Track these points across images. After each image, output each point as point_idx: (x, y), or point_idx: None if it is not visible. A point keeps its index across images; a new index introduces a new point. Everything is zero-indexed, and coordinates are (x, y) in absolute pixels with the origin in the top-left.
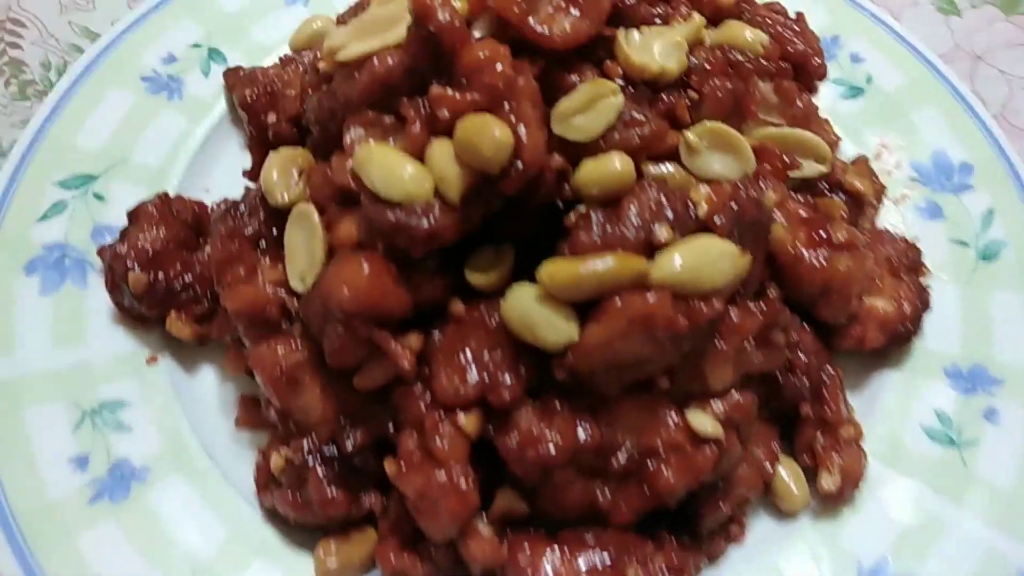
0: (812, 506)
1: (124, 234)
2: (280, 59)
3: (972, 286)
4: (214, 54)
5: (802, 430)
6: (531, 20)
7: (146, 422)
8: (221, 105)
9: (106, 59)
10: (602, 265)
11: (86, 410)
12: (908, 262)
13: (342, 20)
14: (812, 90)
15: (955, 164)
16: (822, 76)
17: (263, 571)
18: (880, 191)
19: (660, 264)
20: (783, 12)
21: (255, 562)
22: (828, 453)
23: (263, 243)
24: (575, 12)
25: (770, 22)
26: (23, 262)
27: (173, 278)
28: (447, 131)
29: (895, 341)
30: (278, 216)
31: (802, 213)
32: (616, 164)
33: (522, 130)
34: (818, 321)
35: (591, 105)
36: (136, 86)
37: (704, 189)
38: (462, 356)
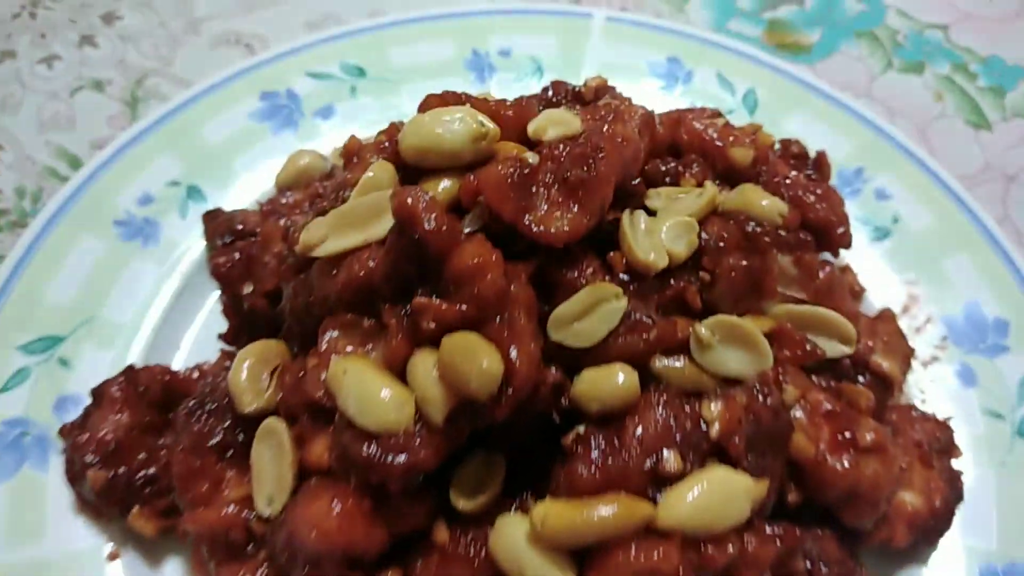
0: None
1: (86, 417)
2: (261, 208)
3: (1008, 469)
4: (193, 192)
5: None
6: (526, 218)
7: None
8: (198, 249)
9: (79, 200)
10: (604, 512)
11: None
12: (939, 445)
13: (320, 209)
14: (835, 255)
15: (989, 320)
16: (847, 245)
17: None
18: (908, 357)
19: (668, 506)
20: (804, 159)
21: None
22: None
23: (230, 452)
24: (573, 206)
25: (789, 182)
26: None
27: (135, 471)
28: (432, 341)
29: (925, 539)
30: (246, 421)
31: (826, 405)
32: (618, 379)
33: (513, 353)
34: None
35: (592, 310)
36: (109, 232)
37: (716, 407)
38: None
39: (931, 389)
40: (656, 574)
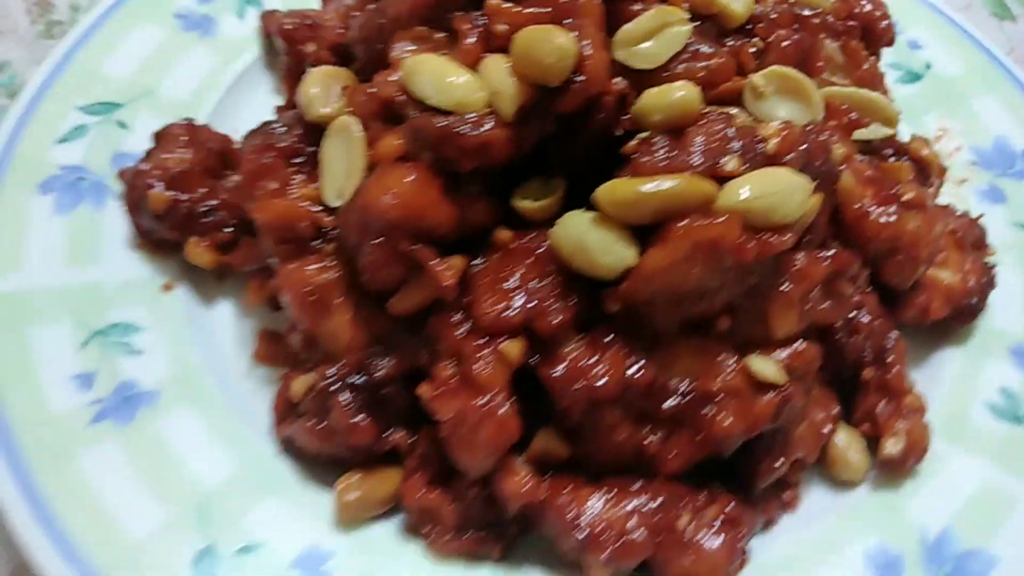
0: (870, 479)
1: (148, 154)
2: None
3: None
4: None
5: (863, 397)
6: None
7: (157, 348)
8: (254, 48)
9: None
10: (667, 185)
11: (94, 329)
12: (973, 239)
13: None
14: (876, 55)
15: (1018, 151)
16: (889, 41)
17: (275, 507)
18: (942, 170)
19: (729, 191)
20: None
21: (267, 498)
22: (891, 420)
23: (298, 159)
24: None
25: None
26: (38, 180)
27: (196, 201)
28: (503, 48)
29: (960, 315)
30: (315, 132)
31: (869, 172)
32: (681, 91)
33: (586, 44)
34: (881, 289)
35: (657, 32)
36: (168, 22)
37: (775, 124)
38: (507, 283)
39: (962, 205)
40: (718, 245)
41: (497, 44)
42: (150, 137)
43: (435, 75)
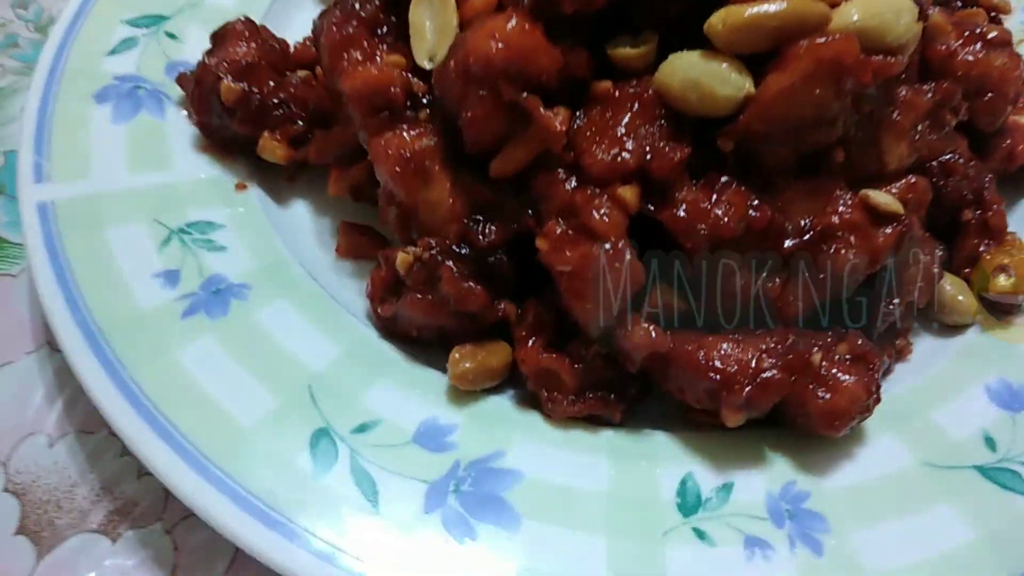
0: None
1: (212, 50)
2: None
3: None
4: None
5: (964, 239)
6: None
7: (240, 244)
8: None
9: None
10: (782, 5)
11: (173, 229)
12: None
13: None
14: None
15: None
16: None
17: (387, 386)
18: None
19: (841, 13)
20: None
21: (378, 378)
22: (995, 256)
23: (382, 29)
24: None
25: None
26: (94, 91)
27: (267, 93)
28: None
29: None
30: (396, 2)
31: (948, 19)
32: None
33: None
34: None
35: None
36: None
37: None
38: (615, 130)
39: None
40: (840, 63)
41: None
42: (203, 45)
43: None
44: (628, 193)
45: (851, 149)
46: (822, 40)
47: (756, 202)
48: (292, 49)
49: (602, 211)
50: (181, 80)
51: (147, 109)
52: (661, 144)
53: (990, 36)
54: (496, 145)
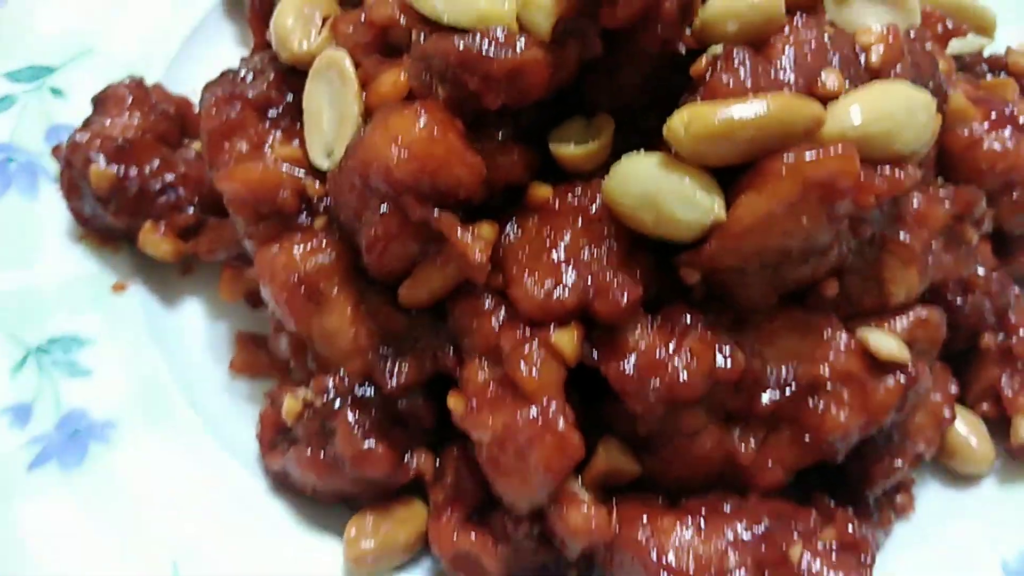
0: (996, 468)
1: (88, 122)
2: None
3: None
4: None
5: (982, 368)
6: None
7: (111, 364)
8: None
9: None
10: (761, 108)
11: (31, 347)
12: None
13: None
14: None
15: None
16: None
17: (270, 558)
18: None
19: (838, 113)
20: None
21: (258, 546)
22: (1019, 396)
23: (273, 112)
24: None
25: None
26: None
27: (149, 177)
28: None
29: None
30: (293, 77)
31: (973, 92)
32: None
33: None
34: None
35: None
36: None
37: (877, 27)
38: (552, 254)
39: None
40: (833, 183)
41: None
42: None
43: None
44: (565, 340)
45: (847, 280)
46: (811, 156)
47: (727, 348)
48: (196, 108)
49: (533, 362)
50: (56, 153)
51: (17, 187)
52: (608, 277)
53: (1022, 121)
54: (406, 268)
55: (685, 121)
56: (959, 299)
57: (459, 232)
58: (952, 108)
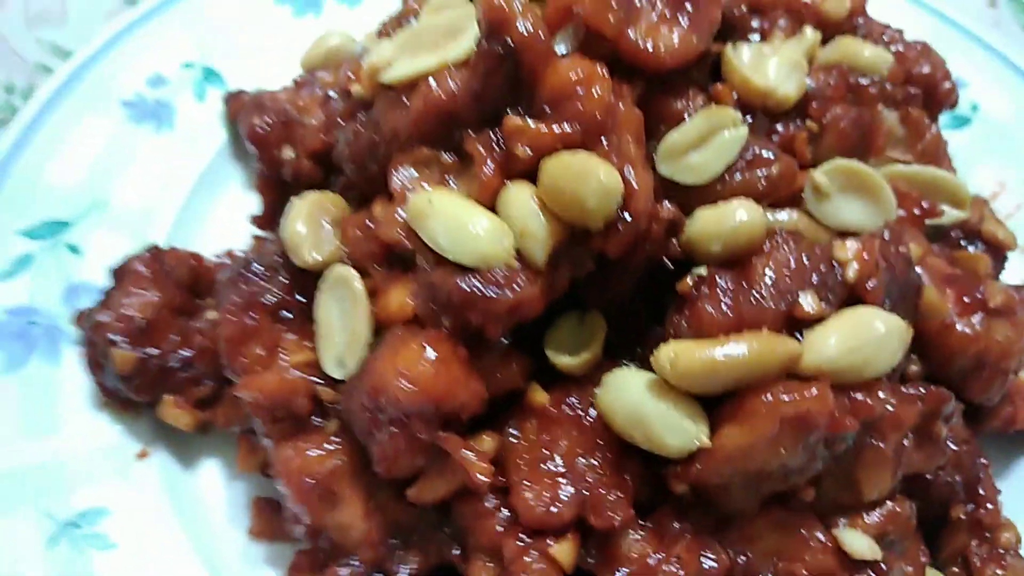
0: None
1: (107, 298)
2: (295, 81)
3: None
4: (210, 75)
5: (952, 537)
6: (631, 33)
7: (134, 536)
8: (219, 136)
9: (81, 81)
10: (744, 348)
11: (61, 522)
12: None
13: (384, 32)
14: (936, 118)
15: None
16: (953, 104)
17: None
18: (1013, 237)
19: (814, 346)
20: (899, 32)
21: None
22: (987, 565)
23: (287, 313)
24: (683, 21)
25: (887, 39)
26: None
27: (168, 354)
28: (526, 174)
29: None
30: (305, 279)
31: (946, 270)
32: (742, 214)
33: (629, 172)
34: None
35: (708, 139)
36: (117, 113)
37: (852, 244)
38: (551, 463)
39: None
40: (808, 420)
41: (519, 168)
42: (110, 256)
43: (451, 221)
44: (563, 552)
45: (824, 482)
46: (789, 396)
47: (713, 552)
48: (208, 261)
49: (532, 572)
50: (78, 321)
51: (40, 353)
52: (602, 489)
53: (992, 304)
54: (413, 474)
55: (671, 357)
56: (932, 474)
57: (463, 451)
58: (926, 302)
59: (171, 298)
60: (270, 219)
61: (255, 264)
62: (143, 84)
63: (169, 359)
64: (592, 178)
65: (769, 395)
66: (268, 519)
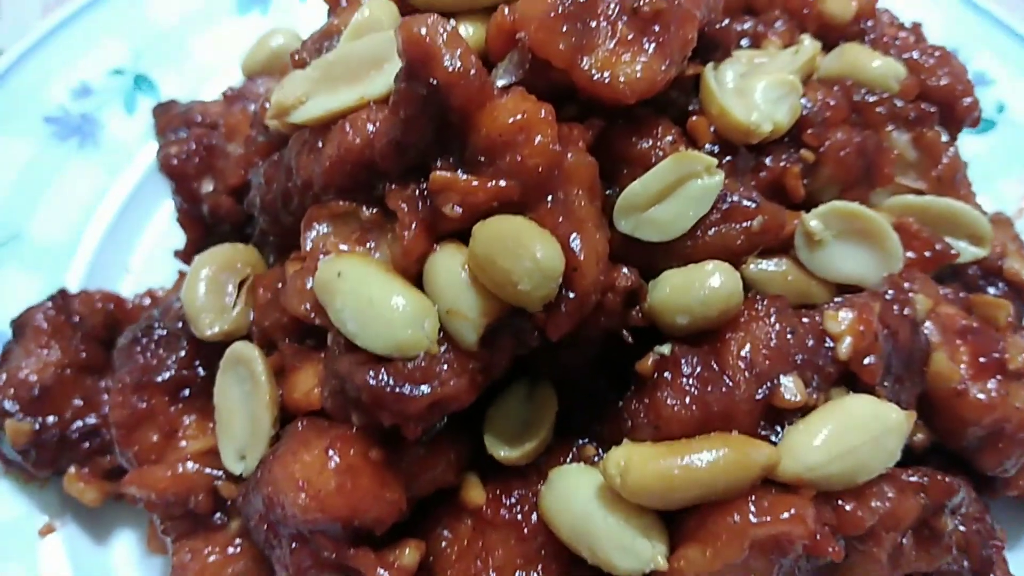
0: None
1: (4, 355)
2: (225, 95)
3: None
4: (141, 82)
5: None
6: (584, 62)
7: None
8: (150, 151)
9: (0, 94)
10: (708, 459)
11: None
12: None
13: (299, 60)
14: (953, 139)
15: None
16: (975, 122)
17: None
18: None
19: (794, 449)
20: (915, 31)
21: None
22: None
23: (186, 391)
24: (647, 46)
25: (900, 44)
26: None
27: (69, 422)
28: (458, 233)
29: None
30: (208, 348)
31: (960, 321)
32: (715, 281)
33: (575, 241)
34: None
35: (675, 189)
36: (38, 130)
37: (845, 315)
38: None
39: None
40: (783, 543)
41: (448, 229)
42: (23, 299)
43: (362, 300)
44: None
45: None
46: (756, 520)
47: None
48: (129, 302)
49: None
50: None
51: None
52: None
53: (1012, 367)
54: None
55: (621, 468)
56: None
57: (378, 571)
58: (934, 369)
59: (75, 355)
60: (193, 252)
61: (156, 328)
62: (68, 96)
63: (70, 428)
64: (526, 255)
65: (737, 515)
66: None
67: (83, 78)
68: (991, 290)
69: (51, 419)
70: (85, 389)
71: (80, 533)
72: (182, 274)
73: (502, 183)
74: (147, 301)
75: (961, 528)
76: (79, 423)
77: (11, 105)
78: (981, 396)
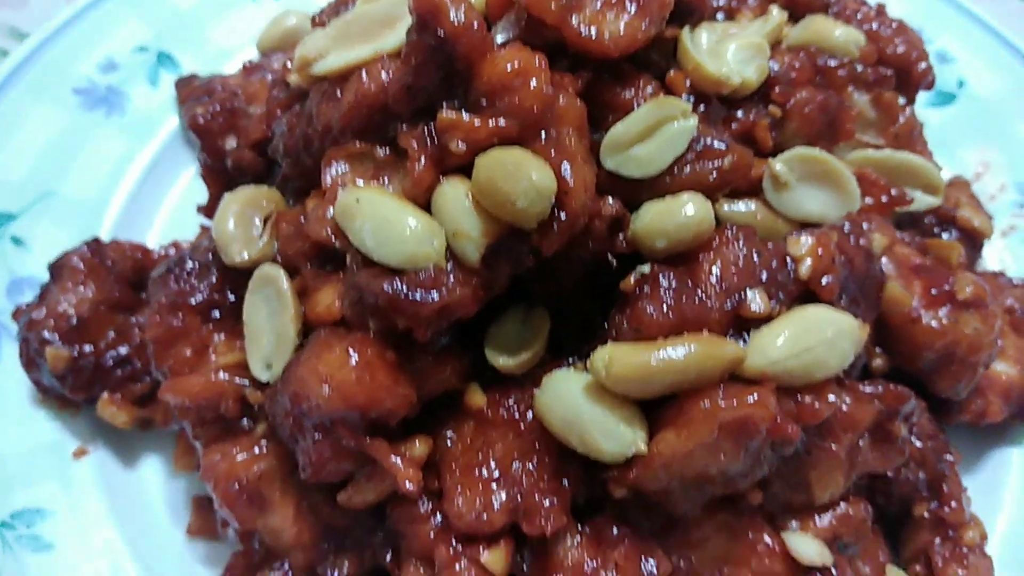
0: None
1: (43, 294)
2: (244, 66)
3: None
4: (164, 59)
5: (915, 534)
6: (574, 19)
7: (71, 538)
8: (172, 122)
9: (31, 68)
10: (681, 352)
11: None
12: None
13: (319, 21)
14: (912, 99)
15: None
16: (929, 85)
17: None
18: (989, 224)
19: (759, 347)
20: (878, 10)
21: None
22: (949, 565)
23: (216, 313)
24: (630, 7)
25: (861, 17)
26: None
27: (104, 351)
28: (462, 168)
29: (1021, 413)
30: (236, 277)
31: (914, 260)
32: (689, 209)
33: (566, 169)
34: (929, 393)
35: (655, 130)
36: (68, 100)
37: (806, 240)
38: (485, 468)
39: (1011, 259)
40: (748, 426)
41: (454, 163)
42: (56, 249)
43: (378, 221)
44: (495, 560)
45: (773, 484)
46: (728, 402)
47: (654, 558)
48: (155, 252)
49: None
50: (16, 317)
51: None
52: (537, 497)
53: (961, 296)
54: (343, 480)
55: (606, 362)
56: (894, 471)
57: (391, 458)
58: (889, 296)
59: (109, 293)
60: (215, 209)
61: (188, 260)
62: (95, 70)
63: (105, 357)
64: (523, 177)
65: (707, 401)
66: (207, 518)
67: (109, 53)
68: (945, 235)
69: (87, 348)
70: (118, 323)
71: (111, 457)
72: (204, 228)
73: (501, 122)
74: (172, 251)
75: (917, 444)
76: (113, 352)
77: (41, 77)
78: (933, 323)
